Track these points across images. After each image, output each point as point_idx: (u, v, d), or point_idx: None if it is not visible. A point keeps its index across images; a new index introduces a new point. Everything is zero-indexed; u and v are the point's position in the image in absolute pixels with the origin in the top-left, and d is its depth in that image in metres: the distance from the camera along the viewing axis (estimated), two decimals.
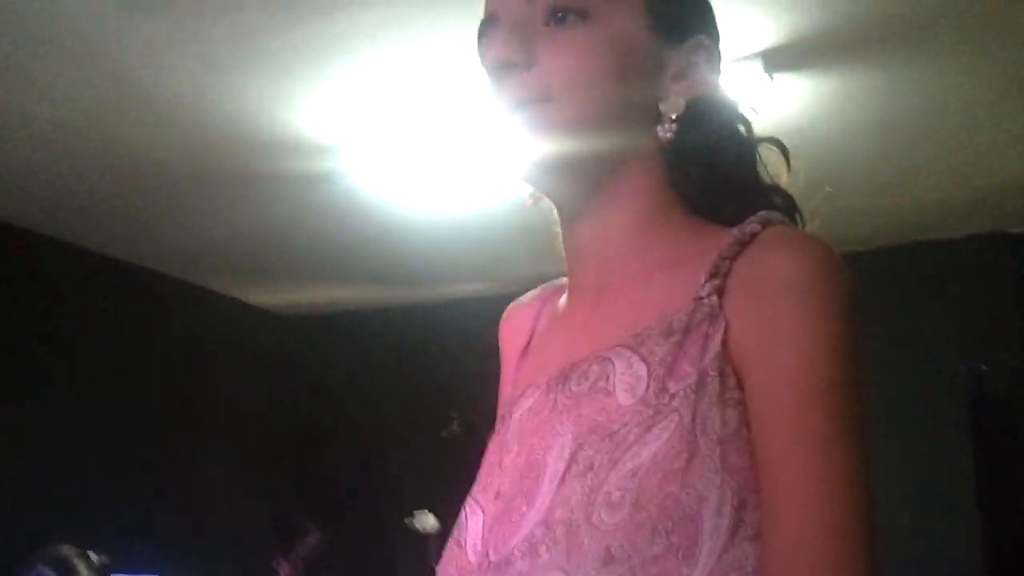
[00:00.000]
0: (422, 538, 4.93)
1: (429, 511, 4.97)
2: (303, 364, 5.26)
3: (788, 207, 0.90)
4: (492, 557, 0.80)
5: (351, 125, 3.16)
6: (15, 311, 3.89)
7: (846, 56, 2.87)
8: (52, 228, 4.00)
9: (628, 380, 0.79)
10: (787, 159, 0.91)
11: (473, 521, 0.84)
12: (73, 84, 2.81)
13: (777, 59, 2.81)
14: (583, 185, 0.88)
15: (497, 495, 0.83)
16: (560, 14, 0.84)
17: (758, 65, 2.82)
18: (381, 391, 5.24)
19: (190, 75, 2.79)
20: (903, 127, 3.41)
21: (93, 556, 2.77)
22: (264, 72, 2.78)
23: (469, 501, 0.87)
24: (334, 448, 5.20)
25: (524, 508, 0.79)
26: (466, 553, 0.83)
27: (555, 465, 0.79)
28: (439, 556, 0.88)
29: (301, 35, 2.57)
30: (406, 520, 4.97)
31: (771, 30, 2.67)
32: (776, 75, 2.88)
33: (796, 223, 0.89)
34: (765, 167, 0.92)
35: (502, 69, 0.86)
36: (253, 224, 4.09)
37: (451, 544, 0.86)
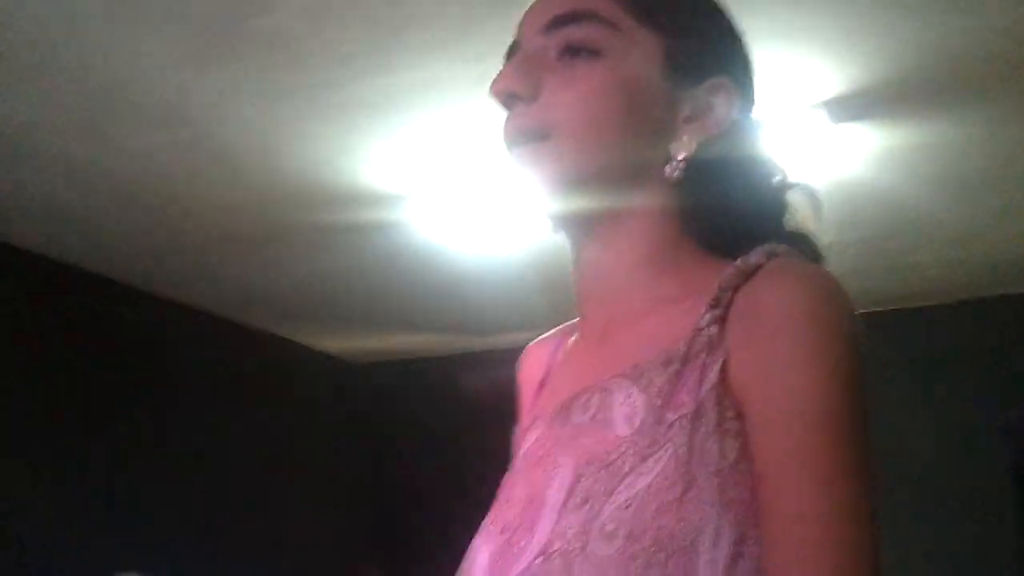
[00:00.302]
0: None
1: None
2: (370, 409, 5.30)
3: (809, 253, 0.87)
4: None
5: (415, 175, 3.21)
6: (92, 353, 4.01)
7: (913, 106, 2.83)
8: (127, 276, 4.12)
9: (626, 410, 0.79)
10: (817, 206, 0.89)
11: (481, 554, 0.84)
12: (146, 140, 2.91)
13: (842, 108, 2.78)
14: (586, 221, 0.88)
15: (503, 529, 0.83)
16: (573, 50, 0.84)
17: (823, 114, 2.80)
18: (446, 437, 5.25)
19: (258, 127, 2.87)
20: (971, 179, 3.34)
21: None
22: (329, 124, 2.84)
23: (479, 535, 0.87)
24: (400, 494, 5.21)
25: (525, 541, 0.79)
26: None
27: (555, 497, 0.79)
28: None
29: (365, 88, 2.63)
30: None
31: (836, 79, 2.65)
32: (841, 124, 2.85)
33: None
34: (794, 213, 0.90)
35: (507, 100, 0.87)
36: (320, 272, 4.16)
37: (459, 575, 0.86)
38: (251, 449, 4.69)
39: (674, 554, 0.71)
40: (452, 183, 3.26)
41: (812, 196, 0.90)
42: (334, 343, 5.36)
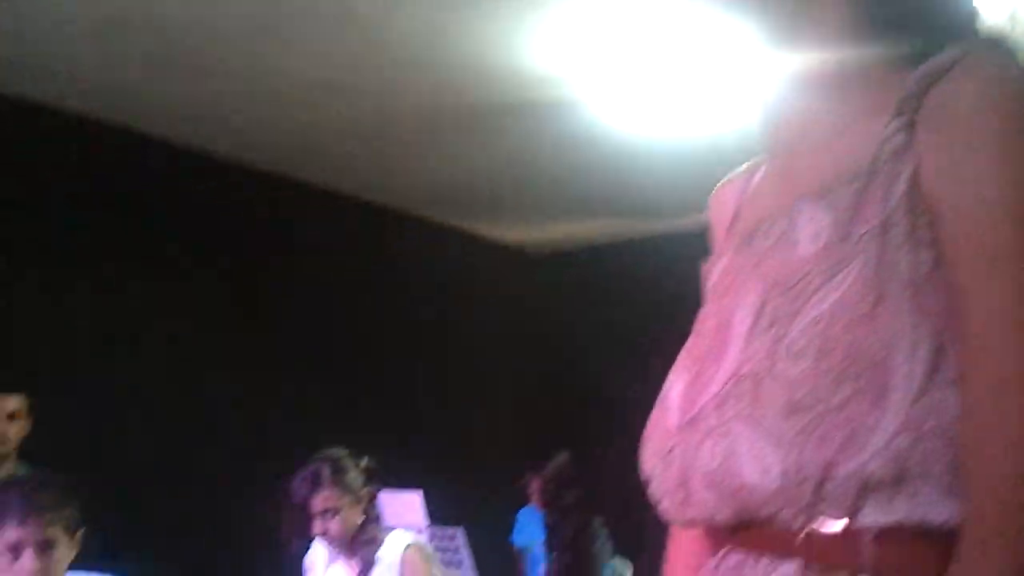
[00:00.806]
0: None
1: None
2: (548, 298, 5.39)
3: (1007, 53, 0.76)
4: (687, 415, 0.81)
5: (585, 55, 3.19)
6: (272, 255, 4.32)
7: None
8: (301, 173, 4.32)
9: (811, 230, 0.77)
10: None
11: (674, 388, 0.85)
12: (322, 40, 3.03)
13: None
14: (773, 17, 0.82)
15: (694, 360, 0.85)
16: None
17: None
18: (632, 323, 5.30)
19: (425, 15, 2.92)
20: None
21: (362, 460, 3.05)
22: (498, 5, 2.86)
23: (672, 370, 0.88)
24: (582, 377, 5.34)
25: (714, 368, 0.80)
26: (668, 416, 0.84)
27: (743, 323, 0.79)
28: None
29: None
30: None
31: None
32: None
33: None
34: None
35: None
36: (495, 160, 4.21)
37: (656, 410, 0.88)
38: (437, 342, 4.90)
39: (867, 368, 0.69)
40: (623, 61, 3.22)
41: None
42: (512, 233, 5.44)
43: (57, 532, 2.26)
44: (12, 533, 2.20)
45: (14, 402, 3.18)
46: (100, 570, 2.66)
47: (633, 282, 5.28)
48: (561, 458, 4.19)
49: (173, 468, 3.88)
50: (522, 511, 4.39)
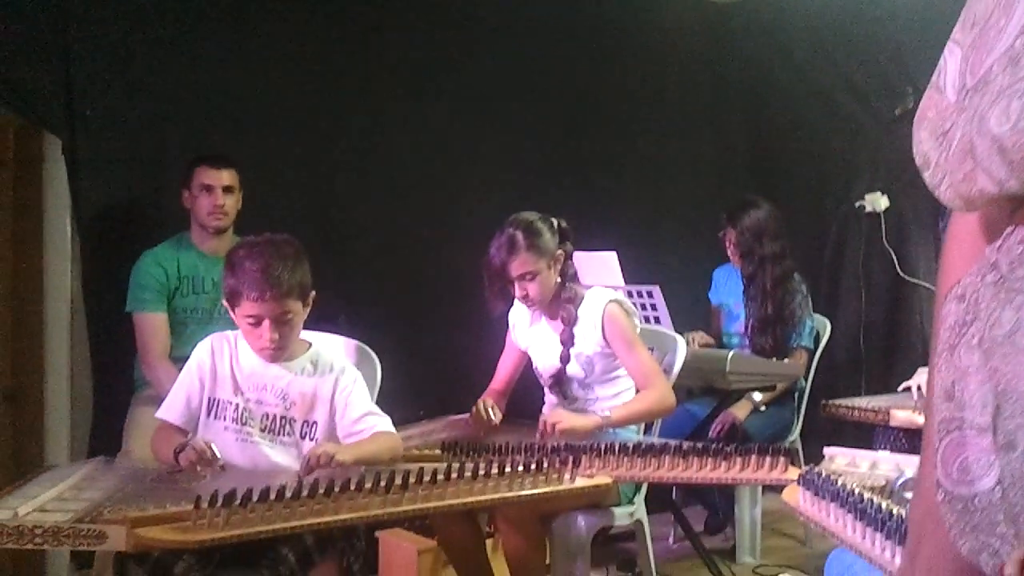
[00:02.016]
0: (874, 216, 4.84)
1: (881, 192, 4.82)
2: (748, 45, 5.11)
3: None
4: (969, 83, 0.76)
5: None
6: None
7: None
8: None
9: None
10: None
11: (951, 60, 0.79)
12: None
13: None
14: None
15: (968, 27, 0.77)
16: None
17: None
18: (829, 70, 5.00)
19: None
20: None
21: (555, 220, 3.08)
22: None
23: (947, 45, 0.81)
24: (784, 130, 5.13)
25: (1003, 22, 0.73)
26: (944, 93, 0.79)
27: None
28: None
29: None
30: (857, 204, 4.88)
31: None
32: None
33: None
34: None
35: None
36: None
37: (928, 91, 0.82)
38: (630, 98, 4.77)
39: None
40: None
41: None
42: None
43: (292, 303, 2.42)
44: (252, 307, 2.38)
45: (228, 176, 3.36)
46: (325, 330, 2.87)
47: (836, 25, 4.90)
48: (761, 211, 4.09)
49: (378, 231, 4.06)
50: (719, 268, 4.36)
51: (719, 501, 4.27)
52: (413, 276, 4.05)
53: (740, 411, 3.94)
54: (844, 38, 4.91)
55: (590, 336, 3.06)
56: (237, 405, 2.48)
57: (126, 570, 2.17)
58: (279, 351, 2.46)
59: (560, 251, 3.07)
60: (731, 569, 3.88)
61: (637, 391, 3.05)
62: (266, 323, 2.40)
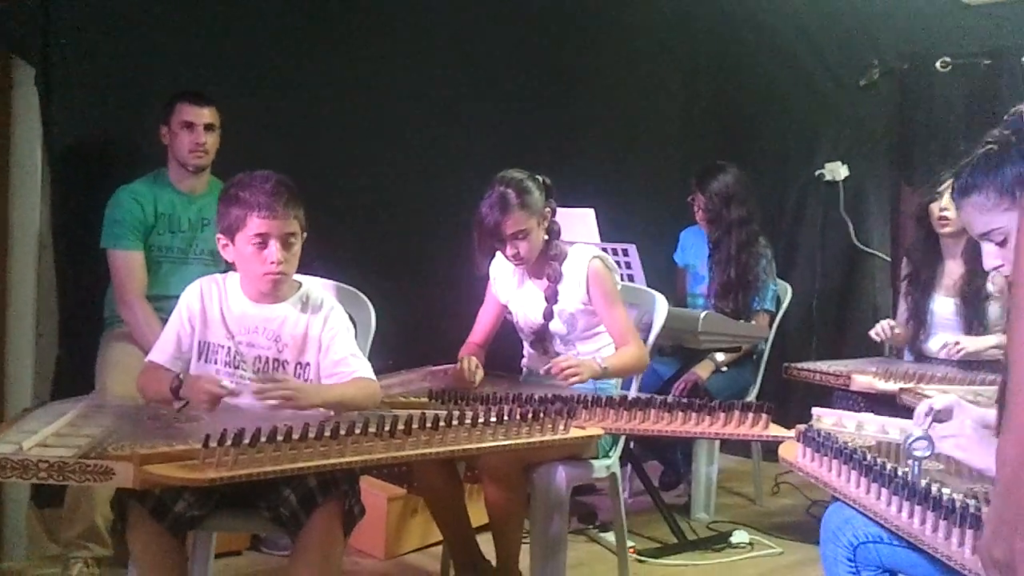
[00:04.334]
0: (832, 185, 4.95)
1: (841, 162, 4.92)
2: (718, 12, 5.15)
3: None
4: None
5: None
6: None
7: None
8: None
9: None
10: None
11: None
12: None
13: None
14: None
15: None
16: None
17: None
18: (799, 39, 5.06)
19: None
20: None
21: (540, 177, 3.09)
22: None
23: None
24: (751, 96, 5.19)
25: None
26: None
27: None
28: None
29: None
30: (816, 172, 4.98)
31: None
32: None
33: None
34: None
35: None
36: None
37: None
38: (602, 61, 4.76)
39: None
40: None
41: None
42: None
43: (296, 226, 2.42)
44: (262, 224, 2.36)
45: (209, 114, 3.29)
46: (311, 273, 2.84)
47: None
48: (728, 175, 4.15)
49: (359, 178, 4.03)
50: (686, 230, 4.42)
51: (679, 458, 4.36)
52: (390, 226, 4.04)
53: (703, 371, 4.03)
54: (814, 7, 4.98)
55: (574, 293, 3.09)
56: (229, 348, 2.46)
57: (126, 509, 2.15)
58: (283, 276, 2.44)
59: (547, 208, 3.08)
60: (689, 523, 3.98)
61: (617, 348, 3.09)
62: (273, 242, 2.38)
